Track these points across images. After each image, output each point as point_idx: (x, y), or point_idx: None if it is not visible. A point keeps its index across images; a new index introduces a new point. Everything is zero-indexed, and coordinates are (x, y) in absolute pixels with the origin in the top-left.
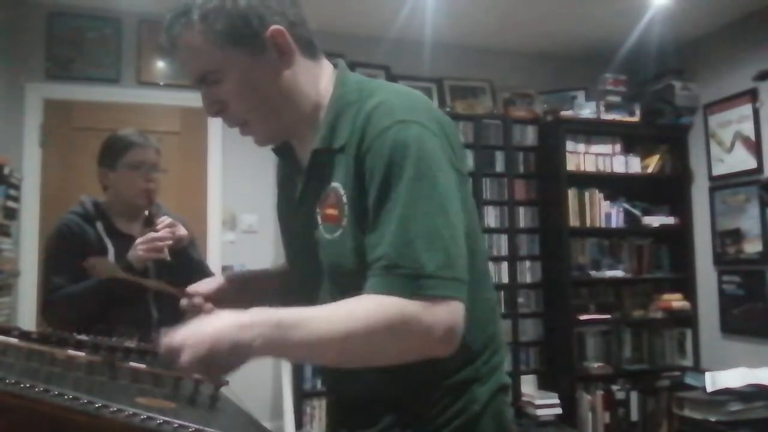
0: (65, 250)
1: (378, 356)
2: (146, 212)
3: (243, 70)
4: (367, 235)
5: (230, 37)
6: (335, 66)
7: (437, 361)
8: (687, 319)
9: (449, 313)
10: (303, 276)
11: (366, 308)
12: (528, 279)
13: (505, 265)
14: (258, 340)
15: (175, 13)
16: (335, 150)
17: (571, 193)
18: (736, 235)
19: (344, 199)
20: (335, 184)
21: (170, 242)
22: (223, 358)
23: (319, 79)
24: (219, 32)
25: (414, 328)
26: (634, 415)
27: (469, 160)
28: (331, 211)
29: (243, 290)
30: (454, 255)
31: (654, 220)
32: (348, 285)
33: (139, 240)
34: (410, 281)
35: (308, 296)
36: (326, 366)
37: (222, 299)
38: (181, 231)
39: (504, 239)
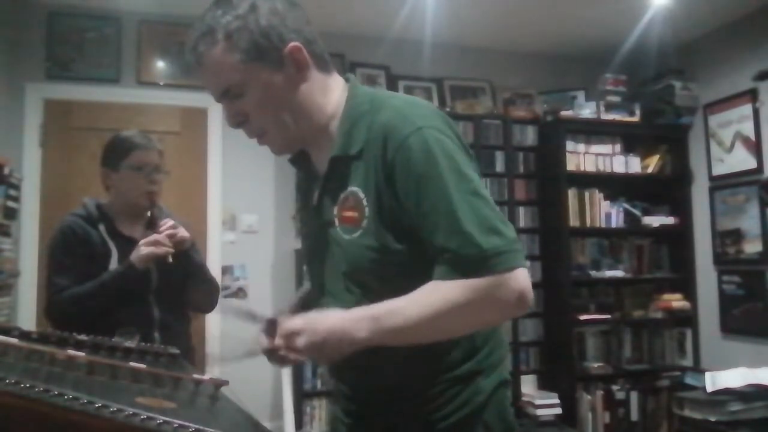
0: (68, 252)
1: (465, 329)
2: (148, 214)
3: (264, 83)
4: (419, 232)
5: (253, 53)
6: (347, 80)
7: (442, 354)
8: (687, 319)
9: (517, 280)
10: (321, 276)
11: (446, 294)
12: None
13: None
14: (361, 332)
15: (199, 32)
16: (351, 156)
17: (571, 193)
18: (736, 235)
19: (364, 202)
20: (354, 188)
21: (172, 250)
22: (332, 347)
23: (331, 92)
24: (243, 49)
25: (492, 301)
26: (634, 415)
27: None
28: (349, 213)
29: None
30: (503, 229)
31: (654, 220)
32: (365, 282)
33: (142, 241)
34: (478, 265)
35: (327, 295)
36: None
37: None
38: (184, 233)
39: None
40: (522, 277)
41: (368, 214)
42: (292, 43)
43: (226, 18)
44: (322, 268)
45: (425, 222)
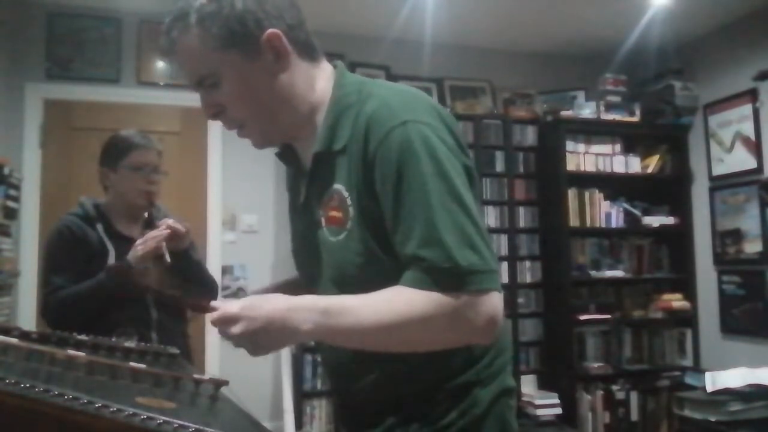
0: (65, 251)
1: (420, 345)
2: (146, 214)
3: (239, 73)
4: (392, 237)
5: (227, 40)
6: (335, 68)
7: (439, 363)
8: (687, 319)
9: (488, 304)
10: (309, 280)
11: (409, 302)
12: (528, 279)
13: (505, 265)
14: (306, 325)
15: (173, 16)
16: (336, 152)
17: (571, 193)
18: (736, 235)
19: (348, 201)
20: (338, 186)
21: (168, 233)
22: (272, 337)
23: (316, 82)
24: (216, 36)
25: (456, 322)
26: (634, 415)
27: None
28: (334, 213)
29: None
30: (482, 247)
31: (654, 220)
32: (354, 291)
33: (138, 240)
34: (450, 280)
35: None
36: (331, 367)
37: None
38: (181, 227)
39: (504, 239)
40: (495, 302)
41: (352, 215)
42: (270, 30)
43: (199, 1)
44: (312, 273)
45: (400, 227)
